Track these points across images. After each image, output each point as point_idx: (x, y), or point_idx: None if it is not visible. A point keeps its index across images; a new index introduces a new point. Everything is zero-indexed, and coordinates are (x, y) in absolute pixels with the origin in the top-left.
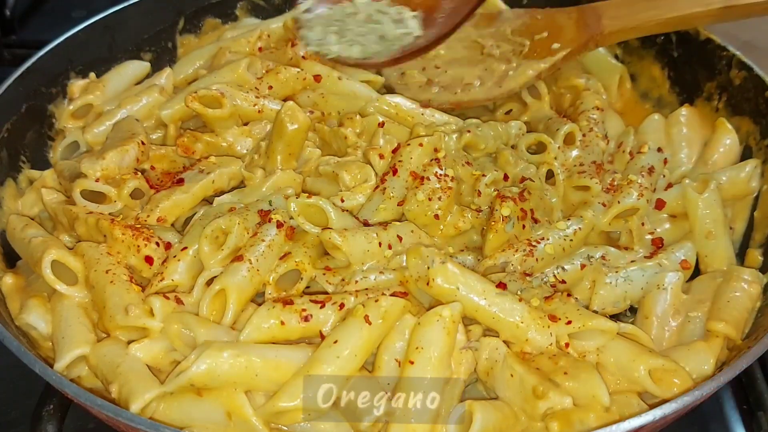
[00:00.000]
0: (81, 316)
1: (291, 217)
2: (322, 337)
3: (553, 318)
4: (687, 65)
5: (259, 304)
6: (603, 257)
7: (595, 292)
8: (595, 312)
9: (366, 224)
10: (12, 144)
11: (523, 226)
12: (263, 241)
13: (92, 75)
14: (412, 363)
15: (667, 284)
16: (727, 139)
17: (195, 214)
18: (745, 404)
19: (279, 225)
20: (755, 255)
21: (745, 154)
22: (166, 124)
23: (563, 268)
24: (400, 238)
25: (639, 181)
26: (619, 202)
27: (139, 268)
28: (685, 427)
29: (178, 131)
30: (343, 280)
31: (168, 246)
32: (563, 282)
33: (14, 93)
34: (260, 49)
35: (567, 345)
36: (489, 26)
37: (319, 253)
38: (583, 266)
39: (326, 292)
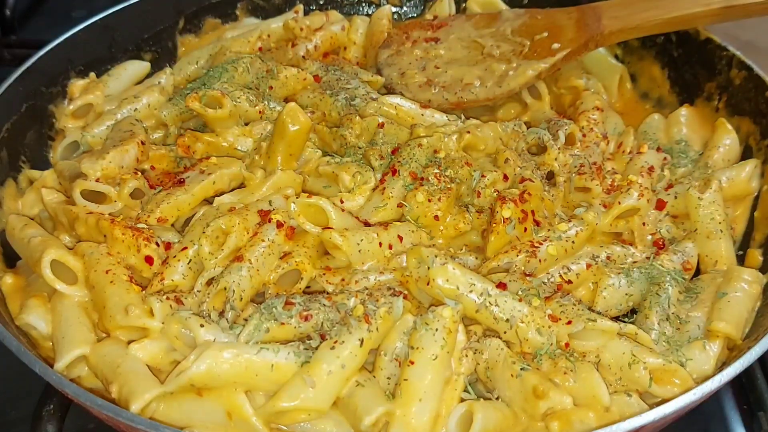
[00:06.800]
0: (81, 316)
1: (291, 217)
2: (323, 337)
3: (554, 318)
4: (687, 65)
5: (259, 304)
6: (608, 257)
7: (598, 294)
8: (599, 313)
9: (366, 224)
10: (12, 144)
11: (525, 228)
12: (263, 241)
13: (92, 75)
14: (412, 363)
15: (668, 285)
16: (727, 139)
17: (195, 214)
18: (745, 404)
19: (279, 225)
20: (755, 255)
21: (745, 154)
22: (166, 124)
23: (569, 268)
24: (401, 238)
25: (639, 182)
26: (619, 203)
27: (139, 268)
28: (685, 427)
29: (179, 131)
30: (343, 280)
31: (168, 246)
32: (570, 282)
33: (14, 93)
34: (260, 49)
35: (567, 345)
36: (489, 26)
37: (319, 253)
38: (588, 266)
39: (326, 292)
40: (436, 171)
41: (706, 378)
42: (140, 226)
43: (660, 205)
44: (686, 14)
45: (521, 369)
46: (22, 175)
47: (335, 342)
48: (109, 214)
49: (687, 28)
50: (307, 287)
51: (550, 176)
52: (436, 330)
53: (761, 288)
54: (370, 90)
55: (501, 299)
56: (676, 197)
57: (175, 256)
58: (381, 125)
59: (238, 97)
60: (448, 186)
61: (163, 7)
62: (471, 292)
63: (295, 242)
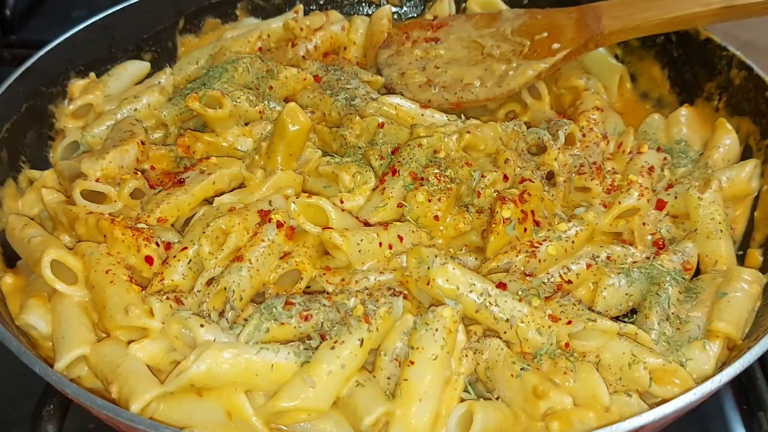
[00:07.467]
0: (81, 316)
1: (291, 217)
2: (323, 337)
3: (554, 318)
4: (687, 65)
5: (259, 304)
6: (608, 257)
7: (598, 294)
8: (599, 313)
9: (366, 224)
10: (12, 144)
11: (525, 229)
12: (263, 241)
13: (92, 75)
14: (412, 363)
15: (668, 285)
16: (727, 139)
17: (195, 214)
18: (745, 404)
19: (279, 225)
20: (755, 255)
21: (745, 154)
22: (166, 124)
23: (569, 268)
24: (401, 238)
25: (639, 181)
26: (619, 203)
27: (139, 268)
28: (685, 427)
29: (179, 131)
30: (343, 280)
31: (168, 246)
32: (570, 282)
33: (14, 93)
34: (260, 49)
35: (567, 345)
36: (489, 26)
37: (319, 253)
38: (588, 266)
39: (326, 292)
40: (436, 171)
41: (706, 378)
42: (140, 226)
43: (660, 205)
44: (686, 14)
45: (521, 369)
46: (22, 175)
47: (335, 342)
48: (109, 214)
49: (687, 28)
50: (307, 287)
51: (550, 176)
52: (436, 330)
53: (761, 288)
54: (370, 90)
55: (501, 299)
56: (676, 197)
57: (175, 256)
58: (381, 125)
59: (238, 97)
60: (448, 186)
61: (163, 7)
62: (471, 292)
63: (295, 242)
